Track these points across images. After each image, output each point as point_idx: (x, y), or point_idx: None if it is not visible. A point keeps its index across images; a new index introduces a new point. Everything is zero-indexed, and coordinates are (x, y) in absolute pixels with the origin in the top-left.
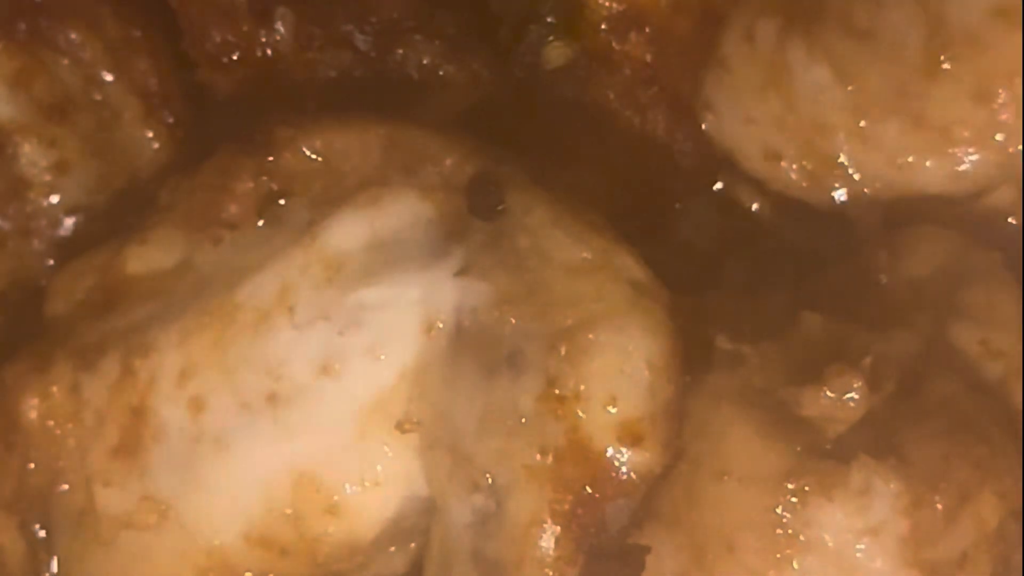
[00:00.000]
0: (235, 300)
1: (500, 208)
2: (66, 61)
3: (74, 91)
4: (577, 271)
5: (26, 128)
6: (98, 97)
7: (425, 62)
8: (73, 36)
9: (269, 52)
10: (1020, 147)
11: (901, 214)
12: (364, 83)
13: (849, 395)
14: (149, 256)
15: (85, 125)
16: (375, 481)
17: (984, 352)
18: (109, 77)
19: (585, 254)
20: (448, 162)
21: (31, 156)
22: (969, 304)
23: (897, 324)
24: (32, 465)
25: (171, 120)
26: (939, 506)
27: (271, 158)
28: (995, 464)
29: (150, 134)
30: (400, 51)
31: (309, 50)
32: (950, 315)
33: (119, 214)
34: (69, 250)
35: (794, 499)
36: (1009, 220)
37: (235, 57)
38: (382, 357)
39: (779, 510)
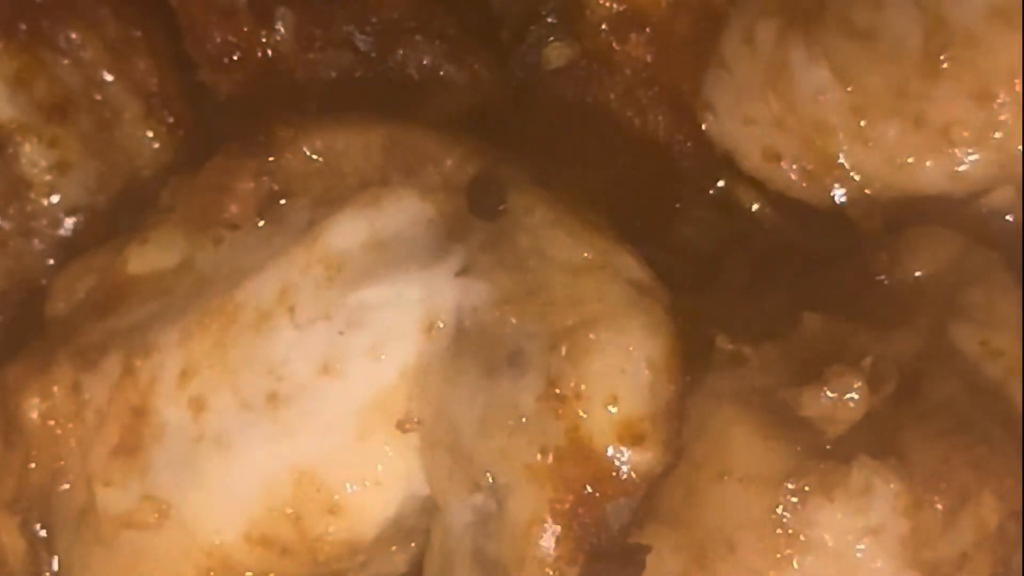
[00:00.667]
0: (236, 300)
1: (501, 208)
2: (66, 61)
3: (74, 91)
4: (578, 271)
5: (26, 128)
6: (98, 97)
7: (426, 63)
8: (73, 36)
9: (270, 53)
10: (1020, 147)
11: (901, 214)
12: (365, 84)
13: (849, 395)
14: (150, 256)
15: (85, 125)
16: (376, 481)
17: (984, 352)
18: (109, 77)
19: (586, 254)
20: (449, 162)
21: (31, 156)
22: (969, 304)
23: (897, 324)
24: (33, 464)
25: (171, 120)
26: (939, 507)
27: (272, 158)
28: (995, 465)
29: (150, 134)
30: (401, 52)
31: (310, 51)
32: (950, 315)
33: (119, 214)
34: (70, 250)
35: (794, 499)
36: (1008, 219)
37: (236, 57)
38: (383, 357)
39: (779, 510)
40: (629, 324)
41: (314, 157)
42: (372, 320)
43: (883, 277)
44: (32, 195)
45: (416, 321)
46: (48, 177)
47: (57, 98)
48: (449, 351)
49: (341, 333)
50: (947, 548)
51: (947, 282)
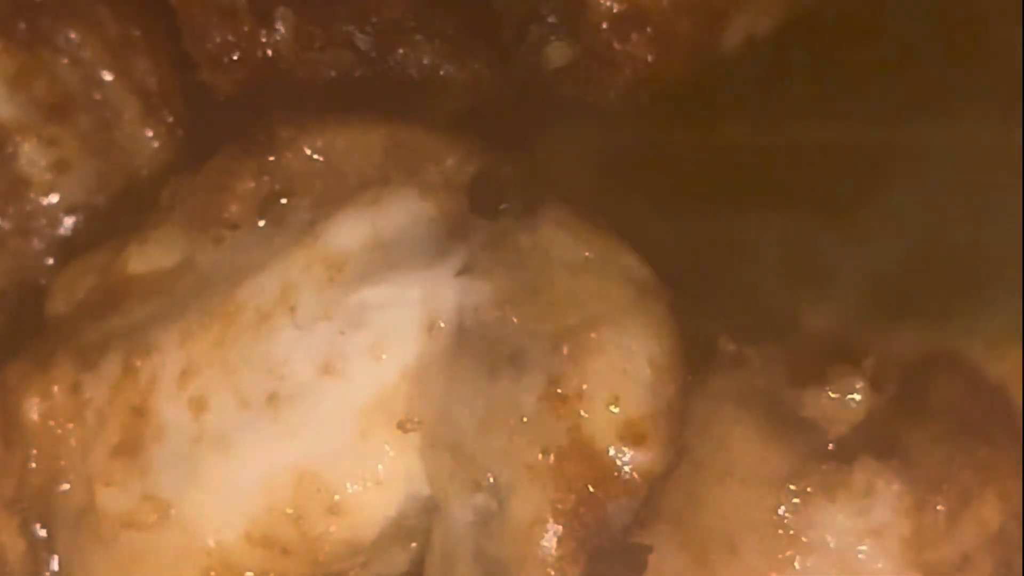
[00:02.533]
0: (236, 300)
1: (502, 207)
2: (66, 61)
3: (74, 90)
4: (579, 270)
5: (26, 127)
6: (98, 97)
7: (426, 62)
8: (73, 36)
9: (270, 52)
10: None
11: None
12: (365, 83)
13: (851, 396)
14: (150, 256)
15: (85, 124)
16: (376, 480)
17: (987, 354)
18: (109, 77)
19: (587, 253)
20: (450, 162)
21: (31, 155)
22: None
23: (900, 325)
24: (33, 464)
25: (171, 120)
26: (941, 508)
27: (272, 158)
28: (997, 466)
29: (150, 133)
30: (401, 51)
31: (310, 50)
32: (953, 316)
33: (119, 214)
34: (69, 249)
35: (796, 500)
36: None
37: (236, 57)
38: (384, 356)
39: (781, 511)
40: (631, 324)
41: (315, 157)
42: (373, 320)
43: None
44: (31, 194)
45: (417, 321)
46: (47, 176)
47: (56, 97)
48: (450, 351)
49: (342, 333)
50: (949, 549)
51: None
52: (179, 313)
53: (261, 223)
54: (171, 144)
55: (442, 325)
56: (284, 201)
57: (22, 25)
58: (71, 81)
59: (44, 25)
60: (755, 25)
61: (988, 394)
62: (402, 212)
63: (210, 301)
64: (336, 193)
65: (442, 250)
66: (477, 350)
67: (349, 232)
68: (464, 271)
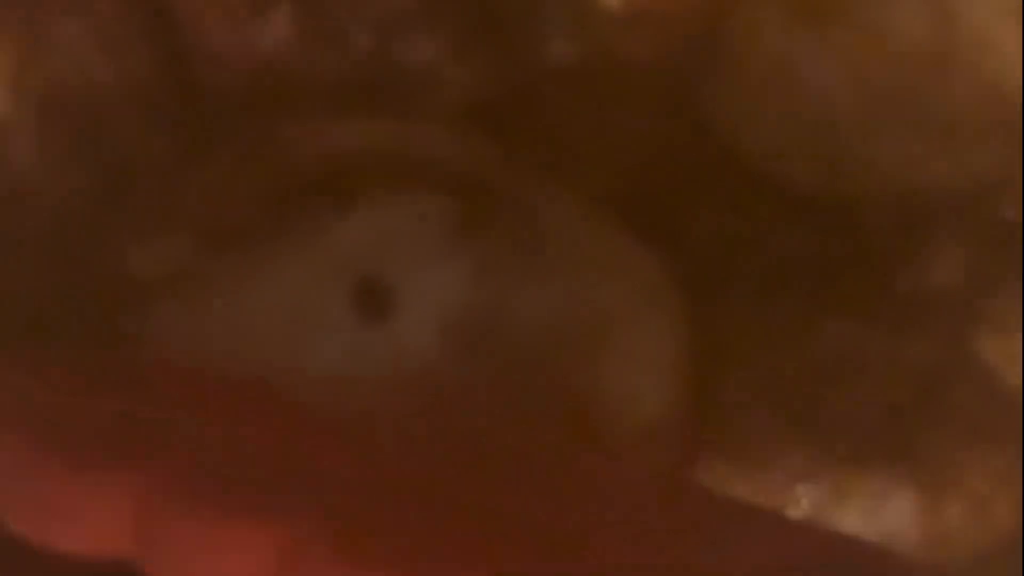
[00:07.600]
0: None
1: (507, 208)
2: (60, 55)
3: (68, 86)
4: (587, 271)
5: (19, 123)
6: (93, 93)
7: (427, 60)
8: (68, 30)
9: (270, 49)
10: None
11: (914, 216)
12: (366, 81)
13: (861, 400)
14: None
15: (79, 121)
16: None
17: (1002, 359)
18: (105, 72)
19: (595, 255)
20: (454, 161)
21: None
22: (987, 311)
23: (914, 329)
24: None
25: (168, 119)
26: (953, 513)
27: (274, 158)
28: (1011, 472)
29: (147, 132)
30: (402, 48)
31: (310, 47)
32: (968, 322)
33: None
34: None
35: (806, 502)
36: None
37: (235, 54)
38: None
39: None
40: (641, 327)
41: (318, 157)
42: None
43: (899, 281)
44: None
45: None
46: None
47: (51, 93)
48: (460, 351)
49: None
50: (961, 555)
51: (964, 288)
52: None
53: (265, 226)
54: (169, 143)
55: (453, 324)
56: (288, 203)
57: (16, 18)
58: (66, 77)
59: (38, 18)
60: (761, 21)
61: (1003, 399)
62: (407, 212)
63: None
64: (340, 194)
65: (448, 251)
66: (487, 350)
67: (356, 233)
68: (471, 272)
